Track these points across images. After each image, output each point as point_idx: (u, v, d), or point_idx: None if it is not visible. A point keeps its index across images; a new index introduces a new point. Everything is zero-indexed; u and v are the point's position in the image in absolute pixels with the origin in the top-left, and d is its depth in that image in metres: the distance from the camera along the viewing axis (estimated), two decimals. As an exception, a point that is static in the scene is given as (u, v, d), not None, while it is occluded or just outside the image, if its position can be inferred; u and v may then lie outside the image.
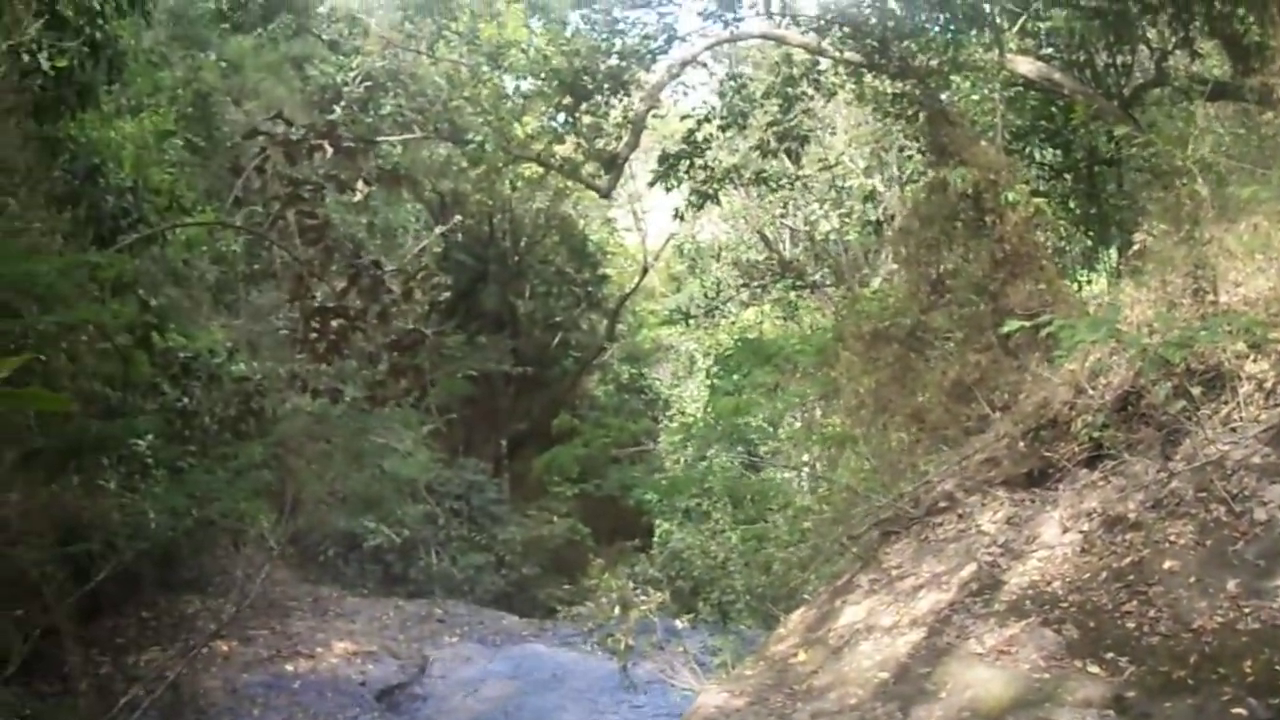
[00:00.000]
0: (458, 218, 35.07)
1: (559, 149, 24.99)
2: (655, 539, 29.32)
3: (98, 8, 14.44)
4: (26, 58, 13.40)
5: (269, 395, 19.21)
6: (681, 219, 26.09)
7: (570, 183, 32.88)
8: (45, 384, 11.49)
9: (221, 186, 23.28)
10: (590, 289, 41.13)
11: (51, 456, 13.15)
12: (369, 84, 29.58)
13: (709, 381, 31.83)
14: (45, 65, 13.45)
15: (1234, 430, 9.76)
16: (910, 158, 24.50)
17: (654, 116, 24.91)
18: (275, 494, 20.10)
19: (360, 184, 15.72)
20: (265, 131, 13.30)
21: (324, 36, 33.58)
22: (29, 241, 13.38)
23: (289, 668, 18.63)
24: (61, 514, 13.31)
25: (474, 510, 31.75)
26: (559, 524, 33.00)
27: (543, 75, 22.75)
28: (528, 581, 30.91)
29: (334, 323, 13.38)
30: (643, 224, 42.97)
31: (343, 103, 28.44)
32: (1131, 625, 8.46)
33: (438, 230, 33.90)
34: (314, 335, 13.36)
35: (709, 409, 27.37)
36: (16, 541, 11.82)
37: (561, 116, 23.36)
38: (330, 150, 13.72)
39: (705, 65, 26.23)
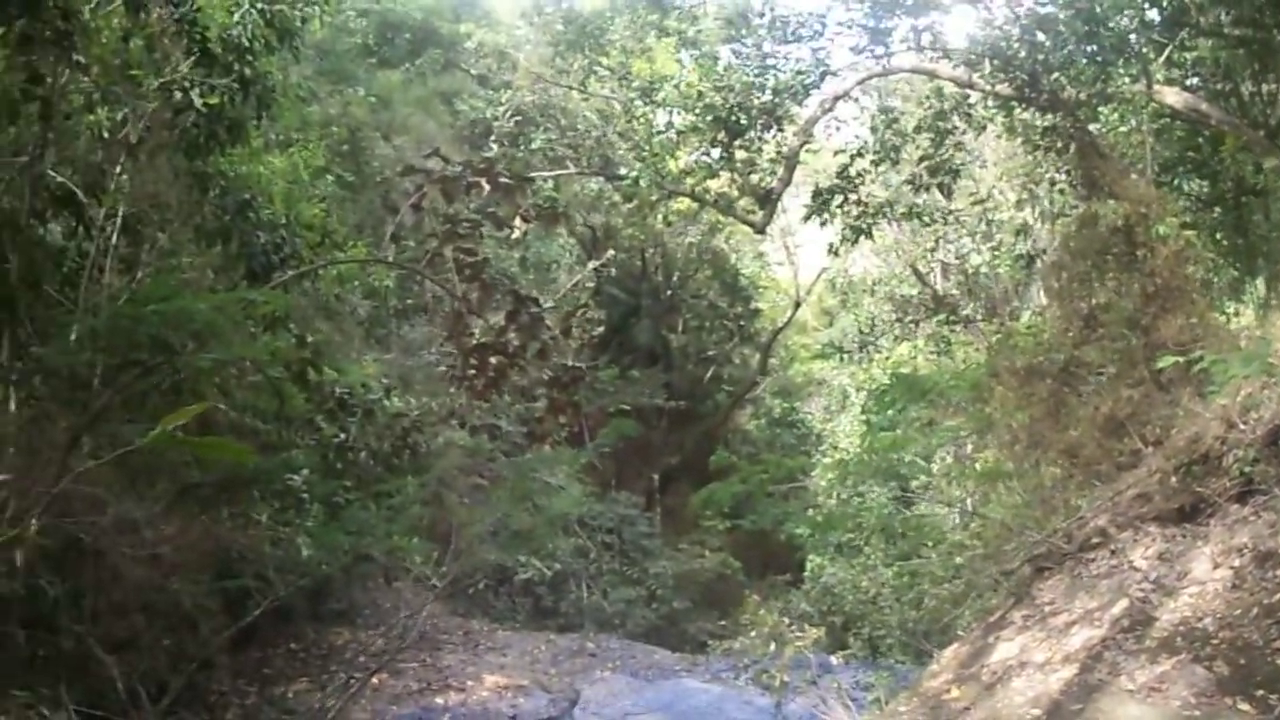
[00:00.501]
0: (610, 252, 35.10)
1: (712, 184, 24.89)
2: (806, 573, 29.11)
3: (247, 44, 14.59)
4: (178, 95, 13.55)
5: (425, 431, 19.26)
6: (836, 254, 25.96)
7: (723, 217, 32.79)
8: (202, 420, 11.63)
9: (371, 221, 23.49)
10: (742, 323, 40.93)
11: (208, 491, 13.26)
12: (519, 119, 29.70)
13: (864, 417, 31.52)
14: (197, 102, 13.59)
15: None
16: (1061, 191, 24.10)
17: (806, 151, 24.74)
18: (427, 528, 20.11)
19: (518, 220, 15.65)
20: (423, 168, 13.36)
21: (472, 71, 33.78)
22: (185, 278, 13.51)
23: (439, 700, 18.60)
24: (216, 547, 13.40)
25: (625, 544, 31.63)
26: (710, 558, 32.74)
27: (696, 110, 22.68)
28: (678, 615, 30.58)
29: (492, 359, 13.39)
30: (794, 258, 42.75)
31: (493, 137, 28.60)
32: (1282, 662, 8.30)
33: (591, 265, 33.96)
34: (472, 372, 13.37)
35: (865, 444, 27.14)
36: (173, 574, 11.90)
37: (716, 152, 23.29)
38: (488, 187, 13.75)
39: (856, 99, 26.00)
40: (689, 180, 24.34)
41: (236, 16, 14.82)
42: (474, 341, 13.45)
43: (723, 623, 29.40)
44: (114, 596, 11.20)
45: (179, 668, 12.79)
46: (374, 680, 18.23)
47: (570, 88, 29.94)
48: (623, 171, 25.67)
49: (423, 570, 19.67)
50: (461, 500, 21.30)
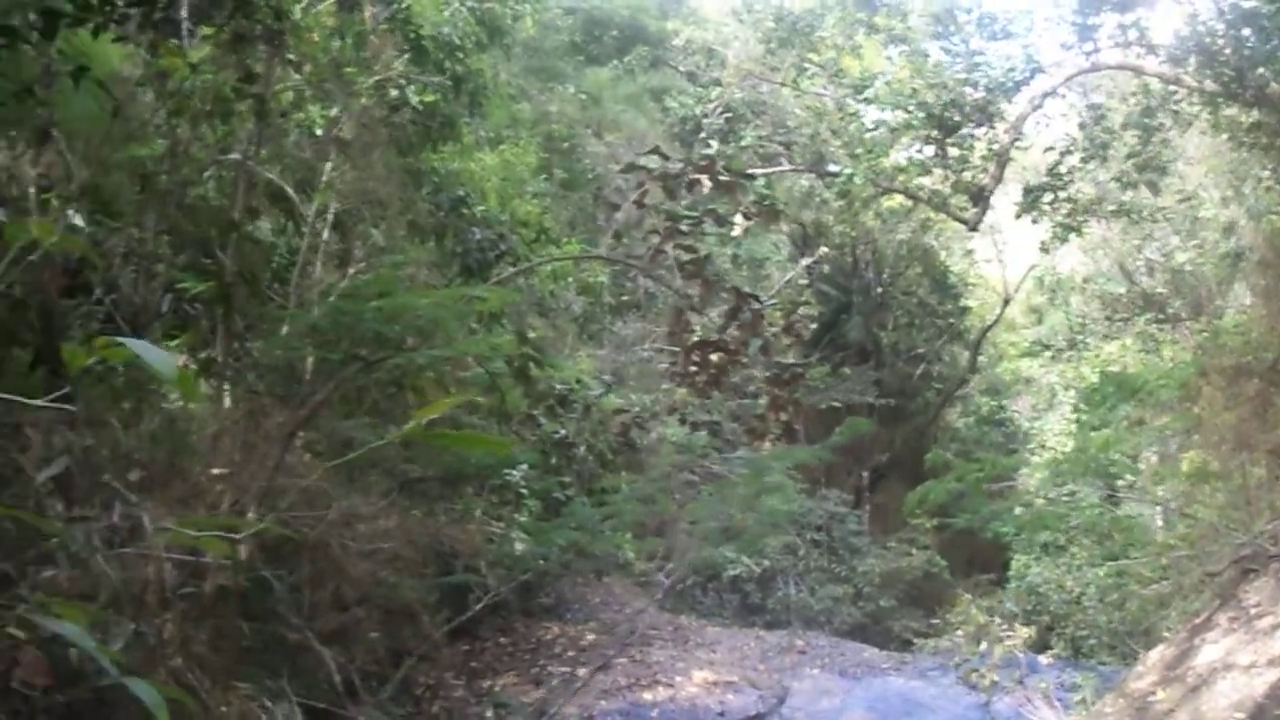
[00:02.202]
0: (822, 249, 34.87)
1: (925, 181, 24.57)
2: (1010, 573, 28.68)
3: (458, 42, 14.58)
4: (393, 92, 13.57)
5: (644, 427, 19.17)
6: (1046, 252, 25.53)
7: (934, 214, 32.40)
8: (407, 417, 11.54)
9: (583, 218, 23.43)
10: (952, 320, 40.47)
11: (430, 486, 13.25)
12: (729, 116, 29.55)
13: (1075, 415, 30.89)
14: (413, 100, 13.60)
15: None
16: (1268, 189, 23.30)
17: (1015, 148, 24.31)
18: (638, 524, 19.99)
19: (737, 218, 15.54)
20: (643, 165, 13.26)
21: (681, 68, 33.77)
22: (407, 274, 13.56)
23: (647, 696, 18.41)
24: (433, 542, 13.38)
25: (834, 541, 31.45)
26: (917, 556, 32.46)
27: (909, 107, 22.38)
28: (883, 613, 30.38)
29: (713, 356, 13.26)
30: (1003, 255, 42.08)
31: (703, 135, 28.48)
32: None
33: (803, 262, 33.73)
34: (693, 369, 13.26)
35: (1076, 443, 26.57)
36: (391, 568, 11.87)
37: (929, 149, 22.98)
38: (708, 184, 13.63)
39: (1063, 96, 25.51)
40: (901, 177, 24.04)
41: (447, 14, 14.83)
42: (695, 338, 13.37)
43: (930, 621, 28.91)
44: (332, 590, 11.22)
45: (396, 661, 12.80)
46: (583, 674, 18.14)
47: (781, 84, 29.73)
48: (834, 168, 25.45)
49: (635, 566, 19.56)
50: (674, 497, 21.09)
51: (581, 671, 18.11)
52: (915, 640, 26.71)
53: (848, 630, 28.24)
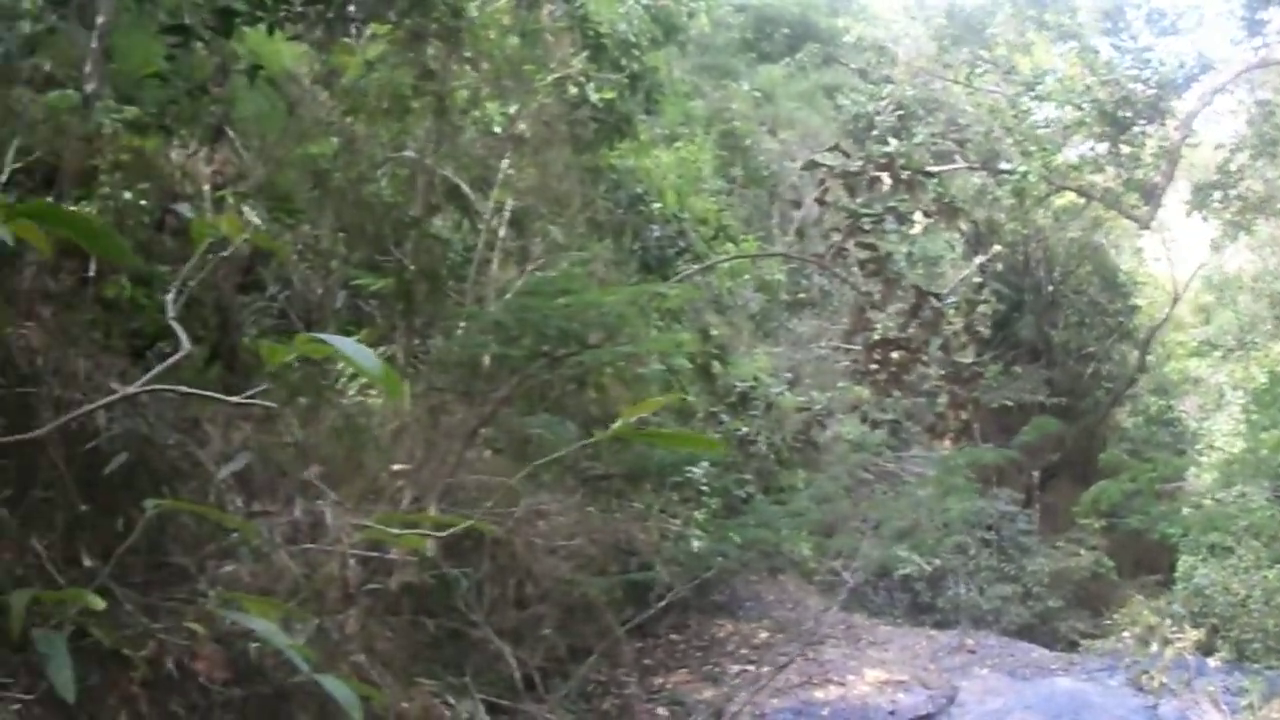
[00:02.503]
0: (996, 248, 34.40)
1: (1097, 178, 24.04)
2: (1177, 574, 27.96)
3: (633, 39, 14.43)
4: (573, 90, 13.43)
5: (825, 425, 18.95)
6: (1216, 250, 24.93)
7: (1104, 212, 31.74)
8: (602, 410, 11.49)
9: (758, 215, 23.18)
10: (1121, 319, 39.60)
11: (612, 483, 13.11)
12: (901, 113, 29.13)
13: (1245, 416, 30.11)
14: (593, 97, 13.45)
15: None
16: None
17: (1185, 145, 23.71)
18: (812, 521, 19.74)
19: (917, 216, 15.29)
20: (824, 163, 13.06)
21: (852, 66, 33.47)
22: (593, 271, 13.46)
23: (819, 695, 18.08)
24: (614, 539, 13.24)
25: (1004, 541, 30.88)
26: (1085, 556, 31.79)
27: (1082, 104, 21.90)
28: (1051, 613, 29.75)
29: (894, 355, 13.03)
30: (1171, 253, 41.16)
31: (875, 132, 28.09)
32: None
33: (977, 260, 33.27)
34: (874, 367, 13.03)
35: (1245, 444, 25.91)
36: (572, 565, 11.73)
37: (1103, 146, 22.48)
38: (888, 182, 13.40)
39: (1231, 92, 24.81)
40: (1074, 175, 23.56)
41: (622, 10, 14.68)
42: (875, 336, 13.19)
43: (1097, 621, 28.34)
44: (513, 586, 11.10)
45: (573, 657, 12.67)
46: (753, 671, 17.89)
47: (954, 82, 29.28)
48: (1007, 166, 25.01)
49: (809, 564, 19.33)
50: (848, 494, 20.81)
51: (754, 669, 17.86)
52: (1081, 641, 26.15)
53: (1015, 630, 27.70)
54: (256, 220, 9.99)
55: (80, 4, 11.78)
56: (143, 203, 9.76)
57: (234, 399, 3.46)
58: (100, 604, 3.05)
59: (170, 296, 3.94)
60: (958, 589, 28.51)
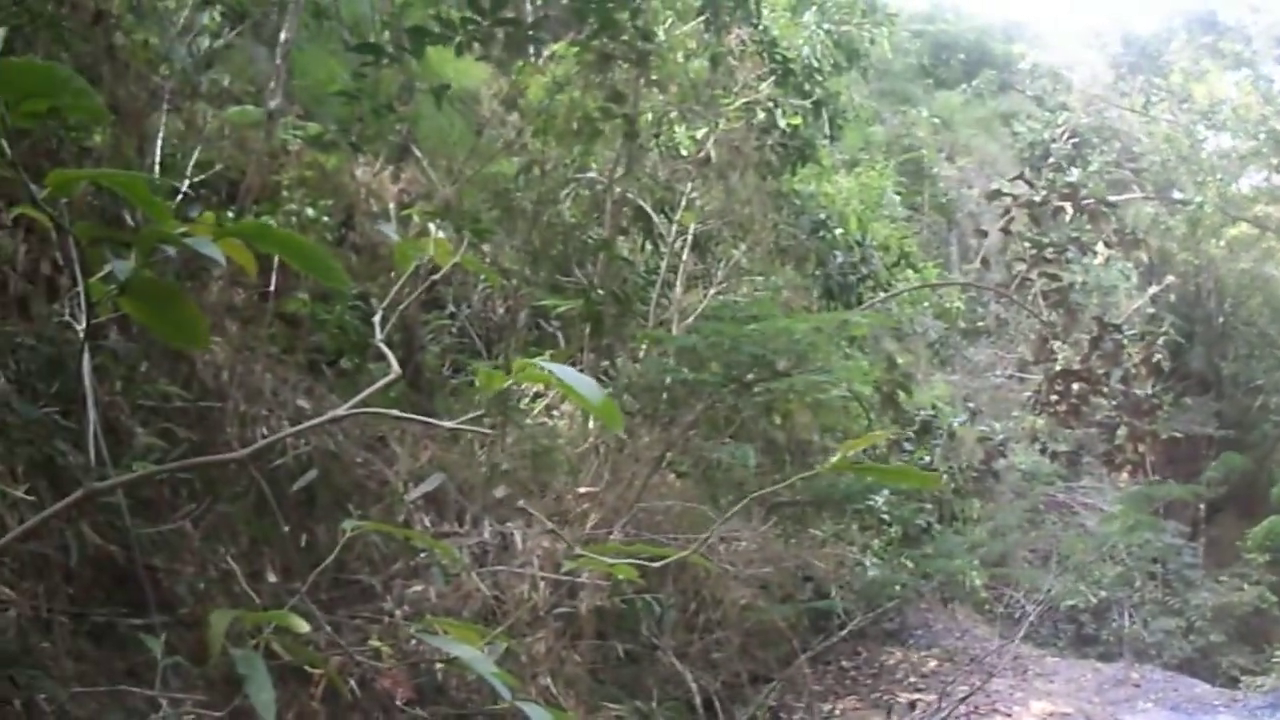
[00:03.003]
0: (1170, 278, 33.71)
1: (1270, 209, 23.48)
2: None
3: (816, 64, 14.22)
4: (761, 115, 13.22)
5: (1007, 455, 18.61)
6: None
7: (1277, 243, 30.91)
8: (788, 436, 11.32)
9: (935, 241, 22.84)
10: (1291, 351, 38.47)
11: (796, 510, 12.92)
12: (1075, 140, 28.58)
13: None
14: (781, 123, 13.25)
15: None
16: None
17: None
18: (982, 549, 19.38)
19: (1099, 246, 14.96)
20: (1008, 192, 12.80)
21: (1028, 92, 33.01)
22: (783, 298, 13.30)
23: (985, 725, 17.69)
24: (799, 566, 13.03)
25: (1168, 574, 30.17)
26: (1249, 591, 30.86)
27: (1258, 134, 21.34)
28: (1212, 648, 29.11)
29: (1074, 385, 12.71)
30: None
31: (1050, 159, 27.61)
32: None
33: (1150, 291, 32.61)
34: (1055, 398, 12.72)
35: None
36: (753, 591, 11.51)
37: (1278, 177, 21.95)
38: (1071, 211, 13.09)
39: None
40: (1248, 205, 23.00)
41: (805, 35, 14.48)
42: (1057, 367, 12.92)
43: (1258, 658, 27.56)
44: (697, 612, 10.90)
45: (753, 683, 12.47)
46: (918, 699, 17.53)
47: (1129, 110, 28.70)
48: (1180, 195, 24.44)
49: (979, 594, 18.97)
50: (1027, 526, 20.43)
51: (928, 698, 17.52)
52: (1243, 677, 25.44)
53: (1177, 664, 27.05)
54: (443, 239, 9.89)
55: (256, 21, 11.87)
56: (325, 219, 9.73)
57: (448, 423, 3.26)
58: (305, 627, 2.97)
59: (377, 318, 3.76)
60: (1122, 621, 27.93)
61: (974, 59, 34.27)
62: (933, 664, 18.48)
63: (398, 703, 6.73)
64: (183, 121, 9.25)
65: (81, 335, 6.31)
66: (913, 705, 16.18)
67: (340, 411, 3.10)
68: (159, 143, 8.49)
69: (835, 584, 14.36)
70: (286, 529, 7.30)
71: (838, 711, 16.24)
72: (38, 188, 2.15)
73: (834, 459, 3.17)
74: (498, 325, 12.19)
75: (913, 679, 17.95)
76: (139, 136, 8.34)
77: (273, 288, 8.93)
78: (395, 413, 3.37)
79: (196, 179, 8.39)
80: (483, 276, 11.64)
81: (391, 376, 3.38)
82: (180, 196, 7.83)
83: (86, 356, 6.03)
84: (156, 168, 7.99)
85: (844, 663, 18.13)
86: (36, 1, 7.19)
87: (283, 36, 10.55)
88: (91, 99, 2.06)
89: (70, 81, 2.01)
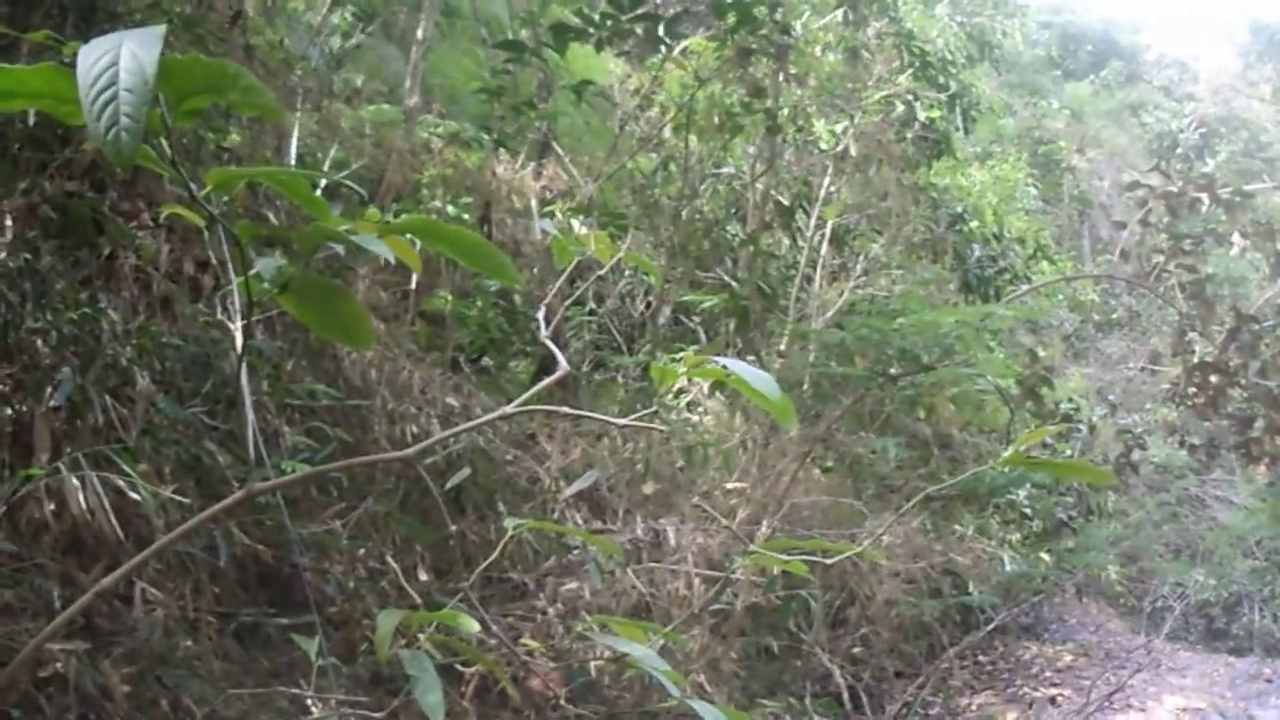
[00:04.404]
0: (1302, 269, 32.93)
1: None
2: None
3: (950, 57, 13.91)
4: (900, 108, 12.91)
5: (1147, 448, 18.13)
6: None
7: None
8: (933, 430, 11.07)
9: (1068, 233, 22.35)
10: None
11: (941, 504, 12.67)
12: (1203, 130, 27.95)
13: None
14: (921, 115, 12.93)
15: None
16: None
17: None
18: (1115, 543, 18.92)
19: (1236, 237, 14.50)
20: (1147, 184, 12.38)
21: (1155, 83, 32.38)
22: (929, 292, 13.07)
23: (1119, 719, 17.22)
24: (946, 561, 12.76)
25: (1300, 568, 29.32)
26: (1380, 585, 29.91)
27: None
28: (1343, 644, 28.04)
29: (1212, 378, 12.28)
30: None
31: (1179, 150, 27.00)
32: None
33: (1280, 283, 31.87)
34: (1193, 390, 12.29)
35: None
36: (899, 585, 11.23)
37: None
38: (1208, 203, 12.66)
39: None
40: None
41: (938, 29, 14.17)
42: (1195, 359, 12.51)
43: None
44: (845, 606, 10.65)
45: (900, 679, 12.21)
46: (1056, 696, 17.11)
47: (1259, 99, 28.01)
48: (1309, 185, 23.77)
49: (1115, 588, 18.54)
50: (1168, 519, 19.94)
51: (1055, 693, 17.10)
52: (1377, 674, 24.68)
53: (1305, 661, 26.34)
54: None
55: (386, 21, 11.76)
56: (465, 216, 9.59)
57: (622, 420, 3.00)
58: (475, 627, 2.86)
59: (541, 314, 3.54)
60: (1253, 615, 27.16)
61: (1101, 50, 33.75)
62: (1068, 659, 18.04)
63: (556, 700, 6.52)
64: (318, 121, 9.17)
65: (237, 334, 6.19)
66: (1053, 700, 15.77)
67: (510, 409, 2.86)
68: (294, 142, 8.41)
69: (975, 578, 14.05)
70: (440, 527, 7.12)
71: (975, 706, 15.89)
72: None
73: (1006, 454, 3.09)
74: (638, 322, 12.00)
75: (1049, 674, 17.53)
76: (276, 136, 8.28)
77: (414, 286, 8.82)
78: (566, 410, 3.10)
79: (334, 178, 8.25)
80: (625, 273, 11.47)
81: (560, 372, 3.12)
82: (320, 194, 7.66)
83: (244, 359, 5.83)
84: (293, 167, 7.83)
85: (980, 657, 17.74)
86: (173, 3, 7.06)
87: (419, 35, 10.47)
88: (264, 95, 1.91)
89: (239, 78, 1.86)
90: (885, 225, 13.78)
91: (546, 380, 3.19)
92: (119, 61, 1.64)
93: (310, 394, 6.96)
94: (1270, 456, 14.02)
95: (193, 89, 1.83)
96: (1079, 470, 4.22)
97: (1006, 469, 9.32)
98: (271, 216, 7.24)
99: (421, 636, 2.90)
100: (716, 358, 2.47)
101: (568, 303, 8.65)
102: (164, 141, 1.83)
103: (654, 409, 7.30)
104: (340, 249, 2.28)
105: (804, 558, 3.35)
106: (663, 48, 10.92)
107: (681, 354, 3.45)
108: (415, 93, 10.35)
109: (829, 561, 3.71)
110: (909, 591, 11.46)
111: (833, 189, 12.87)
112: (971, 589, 13.85)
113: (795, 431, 10.22)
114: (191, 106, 1.85)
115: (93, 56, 1.64)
